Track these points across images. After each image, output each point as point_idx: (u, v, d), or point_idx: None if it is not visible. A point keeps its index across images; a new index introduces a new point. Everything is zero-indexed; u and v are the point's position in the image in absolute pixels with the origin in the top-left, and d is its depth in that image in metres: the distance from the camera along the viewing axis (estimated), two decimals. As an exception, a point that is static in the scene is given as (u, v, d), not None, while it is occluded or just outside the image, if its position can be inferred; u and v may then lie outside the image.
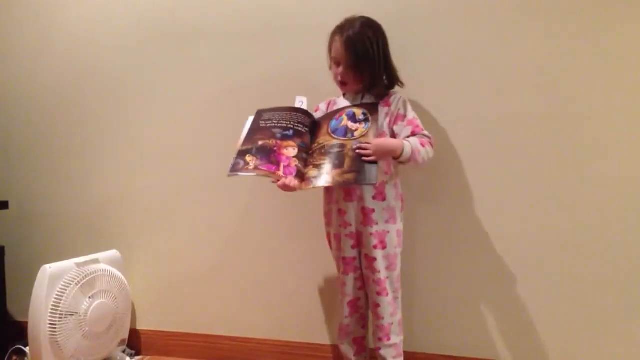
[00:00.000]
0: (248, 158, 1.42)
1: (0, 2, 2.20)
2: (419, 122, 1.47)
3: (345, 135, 1.42)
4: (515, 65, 1.58)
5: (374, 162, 1.35)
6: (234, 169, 1.42)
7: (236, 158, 1.43)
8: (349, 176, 1.36)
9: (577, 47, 1.53)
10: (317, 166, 1.41)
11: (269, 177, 1.41)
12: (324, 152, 1.42)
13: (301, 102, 1.53)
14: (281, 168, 1.41)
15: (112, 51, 2.05)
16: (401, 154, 1.37)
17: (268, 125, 1.48)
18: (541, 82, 1.56)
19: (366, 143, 1.36)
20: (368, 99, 1.50)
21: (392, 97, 1.50)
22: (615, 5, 1.49)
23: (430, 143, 1.44)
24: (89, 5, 2.07)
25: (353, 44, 1.42)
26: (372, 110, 1.43)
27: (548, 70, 1.56)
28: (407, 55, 1.63)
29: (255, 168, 1.40)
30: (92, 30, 2.07)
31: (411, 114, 1.47)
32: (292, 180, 1.38)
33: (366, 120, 1.42)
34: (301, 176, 1.41)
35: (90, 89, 2.09)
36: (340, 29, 1.46)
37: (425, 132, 1.45)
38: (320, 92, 1.65)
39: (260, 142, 1.44)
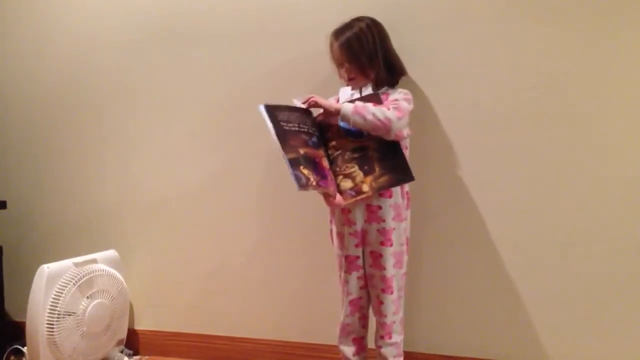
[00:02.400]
0: (305, 171, 1.34)
1: (0, 2, 2.20)
2: (400, 103, 1.42)
3: (361, 135, 1.41)
4: (516, 65, 1.58)
5: (403, 158, 1.36)
6: (301, 184, 1.31)
7: (293, 169, 1.32)
8: (384, 179, 1.37)
9: (577, 47, 1.53)
10: (348, 175, 1.40)
11: (326, 193, 1.39)
12: (347, 158, 1.41)
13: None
14: (329, 183, 1.39)
15: (112, 51, 2.04)
16: (339, 112, 1.39)
17: (292, 128, 1.40)
18: (542, 81, 1.56)
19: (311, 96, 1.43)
20: (369, 90, 1.49)
21: (391, 91, 1.52)
22: (615, 6, 1.50)
23: (396, 108, 1.38)
24: (89, 5, 2.07)
25: (348, 43, 1.47)
26: (375, 101, 1.41)
27: (548, 70, 1.56)
28: (408, 54, 1.63)
29: (317, 185, 1.35)
30: (92, 31, 2.07)
31: (398, 96, 1.46)
32: (340, 197, 1.40)
33: None
34: (337, 188, 1.41)
35: (89, 89, 2.08)
36: (335, 33, 1.51)
37: (397, 105, 1.41)
38: (321, 90, 1.65)
39: (302, 151, 1.37)
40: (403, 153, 1.38)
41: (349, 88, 1.55)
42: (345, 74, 1.52)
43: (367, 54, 1.47)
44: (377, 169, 1.36)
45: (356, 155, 1.40)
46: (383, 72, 1.49)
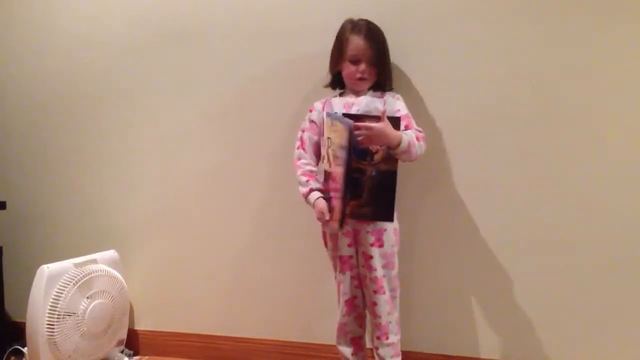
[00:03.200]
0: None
1: (0, 2, 2.20)
2: (411, 118, 1.50)
3: (364, 157, 1.39)
4: (513, 66, 1.58)
5: (392, 196, 1.37)
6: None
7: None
8: (365, 211, 1.39)
9: (574, 48, 1.53)
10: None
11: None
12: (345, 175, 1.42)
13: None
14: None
15: (111, 52, 2.04)
16: (398, 145, 1.36)
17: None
18: (539, 82, 1.56)
19: (368, 125, 1.34)
20: (391, 105, 1.49)
21: (386, 95, 1.53)
22: (612, 6, 1.50)
23: (424, 138, 1.46)
24: (89, 6, 2.07)
25: (374, 38, 1.49)
26: (396, 126, 1.38)
27: (546, 71, 1.56)
28: (406, 55, 1.64)
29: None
30: (92, 31, 2.06)
31: (405, 110, 1.50)
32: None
33: None
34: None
35: (89, 89, 2.08)
36: (353, 29, 1.50)
37: (419, 128, 1.48)
38: (319, 91, 1.65)
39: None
40: (394, 191, 1.39)
41: (339, 98, 1.56)
42: (358, 74, 1.49)
43: (386, 55, 1.52)
44: (363, 197, 1.37)
45: (354, 175, 1.39)
46: (388, 75, 1.53)
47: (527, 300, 1.61)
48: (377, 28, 1.52)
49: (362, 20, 1.53)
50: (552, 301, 1.58)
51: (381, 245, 1.46)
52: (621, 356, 1.53)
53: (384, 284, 1.47)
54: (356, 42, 1.49)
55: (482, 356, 1.65)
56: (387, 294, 1.47)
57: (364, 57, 1.48)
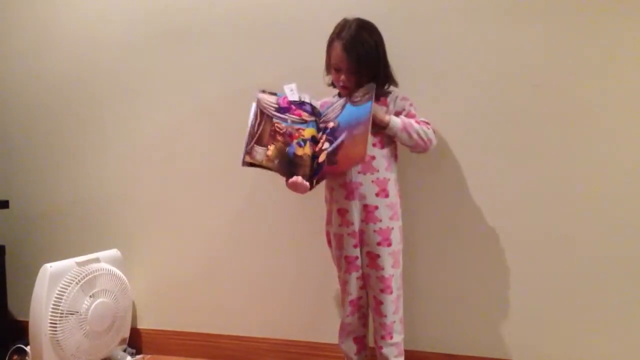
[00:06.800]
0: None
1: (1, 1, 2.20)
2: (431, 125, 1.49)
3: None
4: (513, 64, 1.58)
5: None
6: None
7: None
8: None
9: (576, 47, 1.53)
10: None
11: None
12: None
13: (291, 90, 1.52)
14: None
15: (113, 51, 2.05)
16: (389, 124, 1.42)
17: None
18: (539, 80, 1.56)
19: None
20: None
21: (389, 97, 1.51)
22: (614, 5, 1.49)
23: (432, 130, 1.47)
24: (90, 5, 2.07)
25: (353, 48, 1.41)
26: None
27: (545, 69, 1.55)
28: (406, 54, 1.63)
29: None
30: (93, 30, 2.07)
31: (412, 111, 1.50)
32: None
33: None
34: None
35: (90, 88, 2.09)
36: (337, 35, 1.46)
37: (424, 120, 1.49)
38: (318, 91, 1.65)
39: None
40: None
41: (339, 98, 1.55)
42: (340, 82, 1.47)
43: (370, 63, 1.44)
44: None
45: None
46: (380, 82, 1.48)
47: (531, 299, 1.60)
48: (362, 34, 1.42)
49: (352, 21, 1.45)
50: (556, 300, 1.58)
51: (389, 245, 1.46)
52: (623, 355, 1.53)
53: (392, 283, 1.47)
54: (337, 51, 1.45)
55: (485, 355, 1.65)
56: (394, 293, 1.47)
57: (343, 67, 1.45)
